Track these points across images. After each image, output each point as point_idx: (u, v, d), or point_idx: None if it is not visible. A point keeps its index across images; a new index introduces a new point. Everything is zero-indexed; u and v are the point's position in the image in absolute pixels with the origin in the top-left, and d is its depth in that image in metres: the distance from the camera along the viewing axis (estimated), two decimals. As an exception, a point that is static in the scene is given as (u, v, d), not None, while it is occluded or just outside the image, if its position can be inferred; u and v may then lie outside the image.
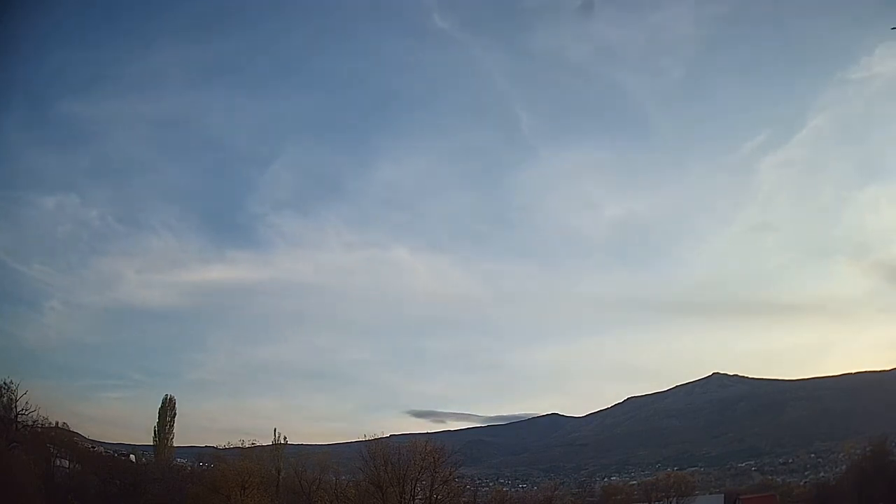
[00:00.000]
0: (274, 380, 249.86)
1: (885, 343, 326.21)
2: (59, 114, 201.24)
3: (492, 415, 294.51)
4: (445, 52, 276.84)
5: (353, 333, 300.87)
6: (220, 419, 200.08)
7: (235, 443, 74.99)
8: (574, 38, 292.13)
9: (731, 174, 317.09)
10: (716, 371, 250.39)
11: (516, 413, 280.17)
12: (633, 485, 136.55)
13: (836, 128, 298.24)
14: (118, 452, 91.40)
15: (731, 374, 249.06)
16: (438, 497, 60.22)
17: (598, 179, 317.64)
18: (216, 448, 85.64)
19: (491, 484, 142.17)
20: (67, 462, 66.84)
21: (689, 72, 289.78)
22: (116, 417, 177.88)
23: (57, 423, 71.19)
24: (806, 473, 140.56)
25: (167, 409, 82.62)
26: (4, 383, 56.84)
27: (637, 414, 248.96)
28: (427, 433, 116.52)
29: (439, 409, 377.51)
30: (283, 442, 76.31)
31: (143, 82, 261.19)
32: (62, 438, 70.44)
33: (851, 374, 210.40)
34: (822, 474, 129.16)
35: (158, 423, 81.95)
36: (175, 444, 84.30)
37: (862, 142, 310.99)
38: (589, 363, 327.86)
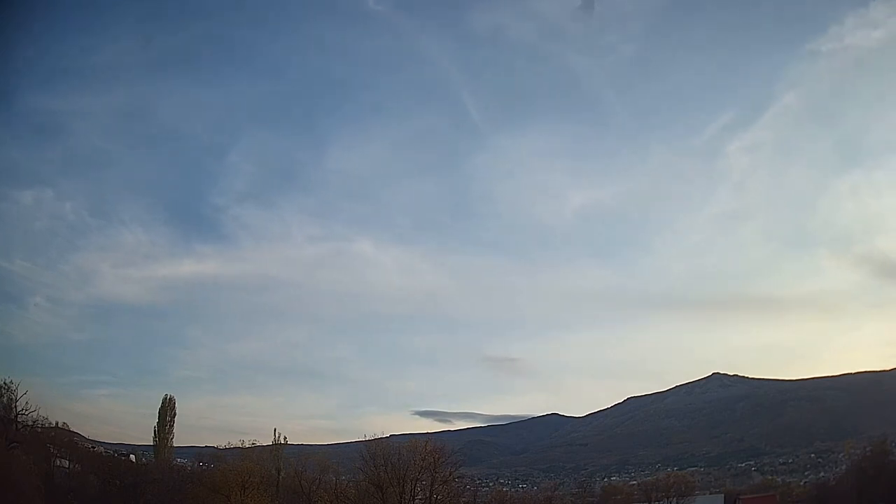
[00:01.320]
0: (255, 377, 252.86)
1: (879, 340, 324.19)
2: (26, 108, 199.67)
3: (493, 414, 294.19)
4: (383, 36, 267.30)
5: (329, 330, 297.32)
6: (209, 417, 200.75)
7: (235, 443, 75.37)
8: (515, 16, 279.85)
9: (697, 159, 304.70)
10: (716, 371, 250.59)
11: (516, 413, 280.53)
12: (633, 485, 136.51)
13: (807, 106, 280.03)
14: (118, 452, 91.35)
15: (731, 374, 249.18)
16: (438, 497, 60.29)
17: (555, 167, 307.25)
18: (216, 448, 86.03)
19: (491, 484, 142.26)
20: (67, 462, 66.83)
21: (640, 49, 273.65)
22: (107, 415, 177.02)
23: (57, 423, 71.23)
24: (806, 473, 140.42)
25: (167, 409, 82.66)
26: (4, 383, 56.84)
27: (637, 414, 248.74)
28: (427, 433, 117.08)
29: (441, 409, 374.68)
30: (283, 442, 76.59)
31: (105, 75, 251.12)
32: (62, 438, 70.41)
33: (851, 374, 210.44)
34: (822, 474, 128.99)
35: (158, 423, 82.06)
36: (175, 444, 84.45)
37: (836, 122, 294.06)
38: (570, 358, 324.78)
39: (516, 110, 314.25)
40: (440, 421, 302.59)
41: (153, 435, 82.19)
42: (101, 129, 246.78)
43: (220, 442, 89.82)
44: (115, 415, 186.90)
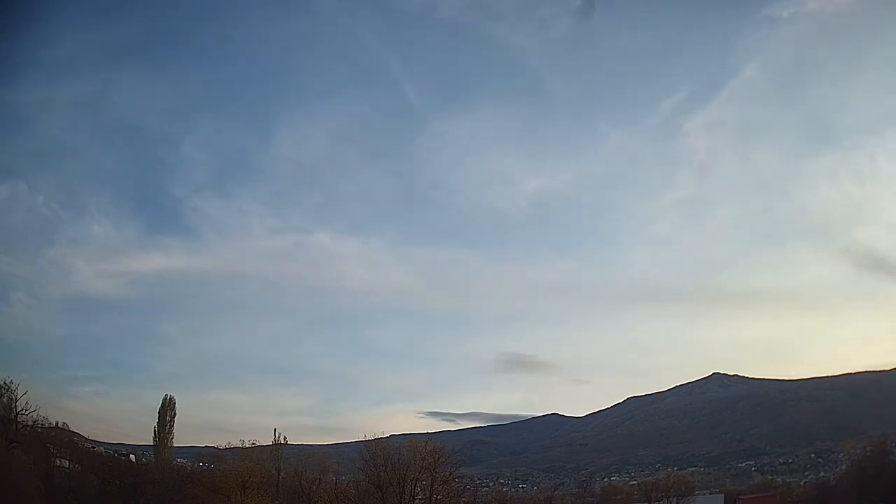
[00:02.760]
0: (233, 372, 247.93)
1: (868, 336, 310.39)
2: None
3: (493, 413, 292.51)
4: (312, 19, 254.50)
5: (300, 325, 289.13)
6: (188, 415, 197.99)
7: (235, 443, 75.33)
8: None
9: (653, 140, 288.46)
10: (716, 371, 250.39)
11: (516, 413, 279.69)
12: (633, 485, 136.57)
13: (769, 79, 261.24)
14: (118, 452, 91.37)
15: (731, 374, 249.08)
16: (438, 497, 60.31)
17: (504, 152, 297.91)
18: (216, 448, 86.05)
19: (491, 484, 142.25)
20: (67, 462, 66.82)
21: (577, 22, 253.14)
22: (95, 413, 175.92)
23: (57, 423, 71.22)
24: (806, 473, 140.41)
25: (167, 409, 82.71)
26: (4, 383, 56.86)
27: (637, 414, 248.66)
28: (427, 433, 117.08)
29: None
30: (282, 442, 76.63)
31: (62, 67, 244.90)
32: (62, 438, 70.39)
33: (851, 374, 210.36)
34: (822, 474, 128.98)
35: (158, 422, 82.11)
36: (175, 444, 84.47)
37: (804, 98, 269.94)
38: (544, 353, 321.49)
39: (455, 93, 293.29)
40: (419, 416, 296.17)
41: (153, 435, 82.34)
42: (62, 121, 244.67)
43: (220, 442, 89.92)
44: (101, 413, 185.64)
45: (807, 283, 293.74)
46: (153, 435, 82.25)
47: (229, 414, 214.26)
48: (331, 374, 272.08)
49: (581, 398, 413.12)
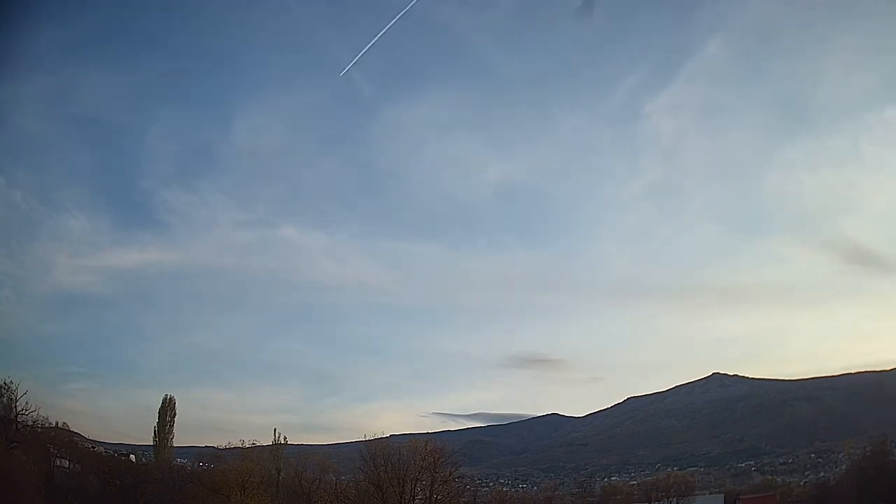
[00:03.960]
0: (214, 369, 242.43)
1: (860, 333, 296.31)
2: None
3: (494, 413, 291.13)
4: (262, 6, 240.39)
5: (275, 320, 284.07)
6: (180, 414, 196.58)
7: (235, 443, 75.39)
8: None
9: (613, 125, 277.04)
10: (716, 371, 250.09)
11: (516, 413, 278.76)
12: (633, 485, 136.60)
13: (734, 55, 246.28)
14: (118, 452, 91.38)
15: (731, 374, 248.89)
16: (438, 497, 60.35)
17: (460, 140, 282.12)
18: (216, 448, 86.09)
19: (491, 484, 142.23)
20: (67, 462, 66.82)
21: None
22: (86, 410, 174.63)
23: (57, 423, 71.25)
24: (806, 473, 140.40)
25: (167, 409, 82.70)
26: (4, 383, 56.91)
27: (637, 414, 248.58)
28: (427, 433, 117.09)
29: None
30: (282, 442, 76.69)
31: (31, 62, 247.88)
32: (62, 438, 70.39)
33: (851, 374, 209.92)
34: (822, 474, 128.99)
35: (158, 422, 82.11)
36: (175, 444, 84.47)
37: (771, 75, 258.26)
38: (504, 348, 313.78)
39: (405, 79, 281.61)
40: (414, 415, 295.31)
41: (153, 435, 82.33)
42: (33, 115, 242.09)
43: (214, 442, 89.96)
44: (90, 411, 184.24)
45: (791, 277, 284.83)
46: (153, 435, 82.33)
47: (215, 412, 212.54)
48: (310, 371, 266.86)
49: (581, 398, 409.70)
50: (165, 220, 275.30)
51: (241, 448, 73.81)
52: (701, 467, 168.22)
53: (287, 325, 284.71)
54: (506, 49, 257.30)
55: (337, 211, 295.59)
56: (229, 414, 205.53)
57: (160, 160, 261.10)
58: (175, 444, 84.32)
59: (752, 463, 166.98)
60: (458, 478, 67.02)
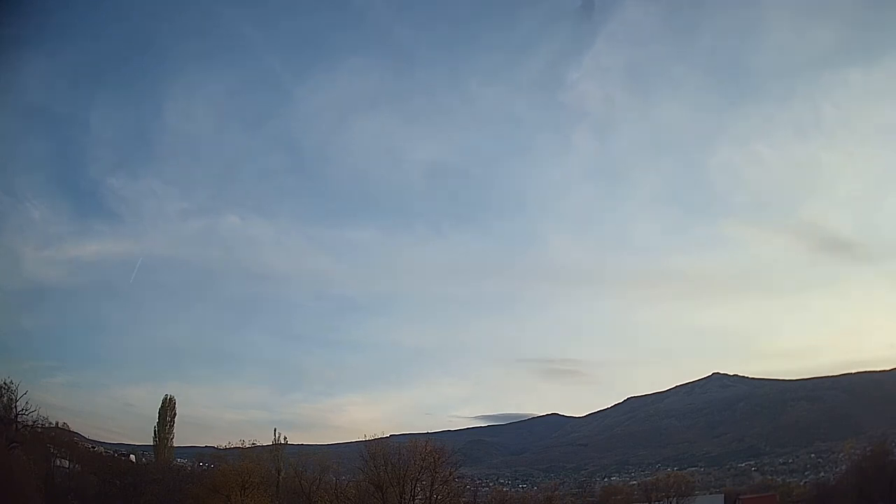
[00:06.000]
0: (183, 364, 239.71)
1: (838, 326, 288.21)
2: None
3: (492, 413, 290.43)
4: None
5: (235, 313, 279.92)
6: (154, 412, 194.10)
7: (235, 443, 75.27)
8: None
9: (535, 94, 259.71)
10: (716, 371, 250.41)
11: (516, 413, 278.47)
12: (633, 485, 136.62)
13: (660, 15, 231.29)
14: (118, 452, 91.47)
15: (731, 374, 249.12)
16: (438, 497, 60.30)
17: (377, 117, 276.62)
18: (216, 448, 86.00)
19: (491, 484, 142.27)
20: (67, 462, 66.83)
21: None
22: (66, 405, 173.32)
23: (57, 423, 71.29)
24: (806, 473, 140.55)
25: (167, 410, 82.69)
26: (4, 383, 56.94)
27: (637, 414, 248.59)
28: (427, 433, 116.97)
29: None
30: (282, 442, 76.60)
31: None
32: (62, 438, 70.41)
33: (851, 374, 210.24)
34: (822, 474, 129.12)
35: (158, 422, 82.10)
36: (175, 445, 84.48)
37: (704, 32, 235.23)
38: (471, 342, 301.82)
39: (316, 57, 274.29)
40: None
41: (153, 435, 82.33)
42: None
43: (220, 442, 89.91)
44: (71, 405, 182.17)
45: (759, 265, 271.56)
46: (153, 435, 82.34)
47: (192, 408, 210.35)
48: (273, 365, 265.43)
49: (581, 398, 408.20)
50: (116, 209, 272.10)
51: (241, 448, 73.66)
52: (701, 467, 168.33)
53: (245, 317, 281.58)
54: (408, 21, 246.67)
55: (273, 195, 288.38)
56: (202, 410, 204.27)
57: (101, 148, 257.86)
58: (175, 444, 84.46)
59: (752, 463, 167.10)
60: (458, 478, 67.07)
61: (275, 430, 78.77)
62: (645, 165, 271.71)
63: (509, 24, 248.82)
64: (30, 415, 57.97)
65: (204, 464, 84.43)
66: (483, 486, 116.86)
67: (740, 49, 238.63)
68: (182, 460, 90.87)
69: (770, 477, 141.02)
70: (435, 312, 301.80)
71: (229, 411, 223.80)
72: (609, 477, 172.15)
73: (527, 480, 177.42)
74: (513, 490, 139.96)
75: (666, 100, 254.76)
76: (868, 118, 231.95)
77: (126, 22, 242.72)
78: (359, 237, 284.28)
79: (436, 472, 59.14)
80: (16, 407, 56.77)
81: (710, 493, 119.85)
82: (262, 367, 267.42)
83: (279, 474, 68.24)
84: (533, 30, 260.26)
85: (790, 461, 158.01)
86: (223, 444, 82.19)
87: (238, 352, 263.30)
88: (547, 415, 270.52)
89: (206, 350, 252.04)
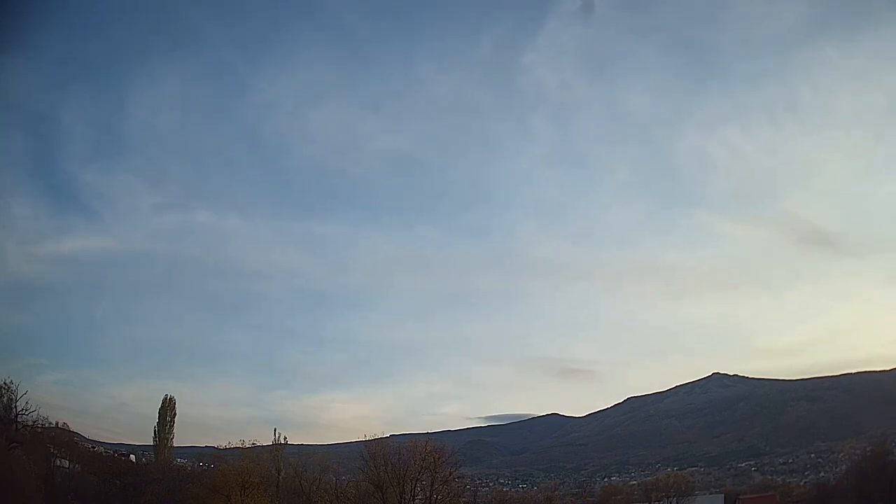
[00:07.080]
0: (169, 361, 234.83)
1: (822, 322, 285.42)
2: None
3: (492, 414, 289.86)
4: None
5: (214, 310, 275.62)
6: (147, 409, 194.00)
7: (235, 443, 75.28)
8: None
9: (486, 81, 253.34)
10: (716, 371, 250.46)
11: (516, 413, 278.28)
12: (633, 485, 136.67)
13: None
14: (118, 452, 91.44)
15: (731, 374, 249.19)
16: (438, 497, 60.29)
17: (333, 108, 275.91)
18: (216, 448, 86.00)
19: (491, 484, 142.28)
20: (67, 462, 66.81)
21: None
22: (58, 403, 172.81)
23: (57, 423, 71.29)
24: (806, 473, 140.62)
25: (167, 410, 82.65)
26: (4, 383, 56.92)
27: (637, 414, 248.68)
28: (427, 433, 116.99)
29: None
30: (283, 442, 76.58)
31: None
32: (62, 438, 70.39)
33: (851, 373, 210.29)
34: (822, 474, 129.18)
35: (158, 422, 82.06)
36: (175, 445, 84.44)
37: (673, 22, 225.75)
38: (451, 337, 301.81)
39: (270, 48, 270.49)
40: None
41: (153, 435, 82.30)
42: None
43: (221, 442, 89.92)
44: (65, 403, 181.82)
45: (739, 259, 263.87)
46: (153, 435, 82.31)
47: (183, 407, 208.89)
48: (256, 362, 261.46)
49: (581, 398, 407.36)
50: (92, 204, 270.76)
51: (241, 448, 73.66)
52: (701, 467, 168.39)
53: (225, 314, 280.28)
54: (355, 7, 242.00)
55: (241, 189, 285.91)
56: (189, 407, 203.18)
57: (73, 142, 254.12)
58: (175, 444, 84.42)
59: (752, 463, 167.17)
60: (458, 478, 67.05)
61: (275, 430, 78.77)
62: (610, 152, 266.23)
63: (458, 4, 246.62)
64: (30, 415, 57.99)
65: (204, 464, 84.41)
66: (483, 486, 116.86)
67: (699, 23, 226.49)
68: (182, 460, 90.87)
69: (770, 477, 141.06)
70: (414, 309, 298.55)
71: (216, 409, 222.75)
72: (609, 477, 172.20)
73: (527, 480, 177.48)
74: (513, 490, 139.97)
75: (627, 82, 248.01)
76: (847, 100, 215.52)
77: (94, 16, 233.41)
78: (328, 231, 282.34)
79: (436, 472, 59.13)
80: (16, 407, 56.76)
81: (710, 493, 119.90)
82: (244, 364, 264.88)
83: (279, 474, 68.24)
84: (480, 14, 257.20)
85: (790, 461, 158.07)
86: (223, 444, 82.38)
87: (220, 349, 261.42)
88: (547, 415, 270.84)
89: (188, 348, 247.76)
